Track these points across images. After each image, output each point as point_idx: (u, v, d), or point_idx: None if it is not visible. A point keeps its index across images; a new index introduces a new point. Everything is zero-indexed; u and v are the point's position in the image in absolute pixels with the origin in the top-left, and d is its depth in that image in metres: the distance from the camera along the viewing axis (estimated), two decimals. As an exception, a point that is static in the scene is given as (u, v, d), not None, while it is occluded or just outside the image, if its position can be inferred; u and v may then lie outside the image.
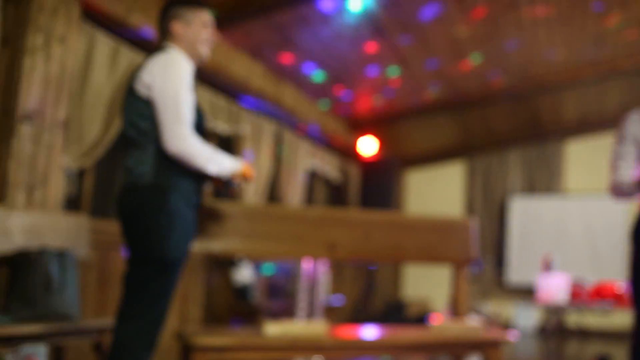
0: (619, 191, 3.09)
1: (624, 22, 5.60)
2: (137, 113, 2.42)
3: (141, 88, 2.41)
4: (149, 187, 2.39)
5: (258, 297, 5.69)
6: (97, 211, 4.41)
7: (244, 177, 2.60)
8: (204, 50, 2.62)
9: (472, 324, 3.42)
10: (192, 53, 2.58)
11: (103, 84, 4.04)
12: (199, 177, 2.54)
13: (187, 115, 2.39)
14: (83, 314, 3.87)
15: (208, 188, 2.76)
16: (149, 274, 2.37)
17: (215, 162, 2.46)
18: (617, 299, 4.51)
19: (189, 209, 2.49)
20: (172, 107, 2.35)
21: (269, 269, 6.33)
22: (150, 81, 2.40)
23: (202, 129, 2.59)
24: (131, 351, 2.34)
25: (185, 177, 2.45)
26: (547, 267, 5.00)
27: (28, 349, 2.70)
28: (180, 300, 4.64)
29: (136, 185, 2.40)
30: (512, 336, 3.43)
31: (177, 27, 2.56)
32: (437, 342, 3.26)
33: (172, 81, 2.38)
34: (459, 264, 3.77)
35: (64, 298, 3.10)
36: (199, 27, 2.58)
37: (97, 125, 3.98)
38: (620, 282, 4.53)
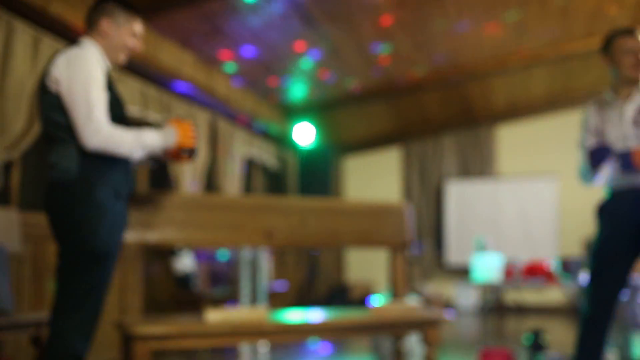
0: (582, 177, 3.37)
1: (544, 12, 5.79)
2: (52, 108, 2.38)
3: (51, 83, 2.38)
4: (74, 182, 2.36)
5: (200, 286, 5.67)
6: (28, 204, 4.29)
7: (184, 142, 2.55)
8: (122, 58, 2.59)
9: (410, 305, 3.50)
10: (111, 55, 2.55)
11: (25, 74, 3.91)
12: (126, 167, 2.53)
13: (99, 108, 2.34)
14: (19, 308, 3.79)
15: (155, 166, 2.74)
16: (81, 267, 2.36)
17: (141, 145, 2.43)
18: (548, 276, 4.69)
19: (118, 201, 2.47)
20: (82, 103, 2.31)
21: (224, 255, 6.32)
22: (57, 76, 2.36)
23: (124, 121, 2.55)
24: (68, 343, 2.33)
25: (111, 169, 2.43)
26: (481, 247, 5.15)
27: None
28: (119, 290, 4.60)
29: (62, 181, 2.38)
30: (448, 315, 3.53)
31: (106, 25, 2.52)
32: (376, 324, 3.33)
33: (79, 77, 2.33)
34: (395, 248, 3.85)
35: (-4, 294, 3.03)
36: (127, 34, 2.55)
37: (22, 117, 3.86)
38: (550, 260, 4.71)
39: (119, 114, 2.51)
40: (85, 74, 2.34)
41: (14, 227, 3.50)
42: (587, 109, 3.46)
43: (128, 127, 2.53)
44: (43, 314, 3.22)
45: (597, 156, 3.24)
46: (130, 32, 2.56)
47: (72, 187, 2.36)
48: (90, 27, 2.55)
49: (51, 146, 2.43)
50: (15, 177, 4.18)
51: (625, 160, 3.17)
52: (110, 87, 2.50)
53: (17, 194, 4.19)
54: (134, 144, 2.40)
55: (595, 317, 3.28)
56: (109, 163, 2.41)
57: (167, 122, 2.57)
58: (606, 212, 3.35)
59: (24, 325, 3.11)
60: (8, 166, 4.10)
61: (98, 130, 2.31)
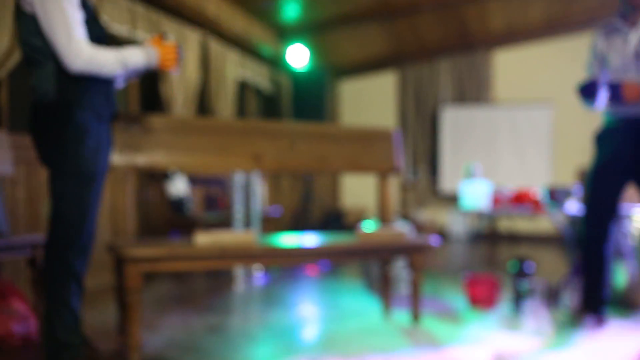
0: (581, 91, 3.36)
1: None
2: (27, 30, 2.35)
3: (25, 5, 2.33)
4: (54, 104, 2.36)
5: (194, 210, 5.73)
6: (19, 126, 4.27)
7: (167, 64, 2.54)
8: None
9: (397, 231, 3.55)
10: None
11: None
12: (107, 88, 2.51)
13: (77, 29, 2.31)
14: (15, 230, 3.84)
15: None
16: (68, 188, 2.40)
17: (123, 64, 2.41)
18: (535, 205, 4.73)
19: (100, 122, 2.48)
20: (60, 25, 2.27)
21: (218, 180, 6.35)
22: None
23: (103, 40, 2.52)
24: (65, 263, 2.40)
25: (91, 90, 2.43)
26: (470, 174, 5.17)
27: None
28: (112, 213, 4.65)
29: (42, 104, 2.38)
30: (435, 241, 3.60)
31: None
32: (363, 249, 3.39)
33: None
34: (383, 173, 3.87)
35: (-11, 215, 3.06)
36: None
37: (6, 35, 3.77)
38: (539, 189, 4.76)
39: (96, 33, 2.47)
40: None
41: (5, 149, 3.50)
42: (596, 33, 3.44)
43: (108, 46, 2.50)
44: (39, 236, 3.27)
45: (587, 89, 3.27)
46: None
47: (52, 109, 2.37)
48: None
49: (31, 69, 2.41)
50: (4, 98, 4.14)
51: (615, 92, 3.19)
52: (85, 5, 2.45)
53: (8, 116, 4.17)
54: (116, 64, 2.39)
55: (592, 242, 3.38)
56: (89, 84, 2.40)
57: (148, 42, 2.53)
58: (601, 140, 3.41)
59: (20, 247, 3.16)
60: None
61: (79, 51, 2.29)
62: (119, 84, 2.66)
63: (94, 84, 2.41)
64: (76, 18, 2.31)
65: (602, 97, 3.22)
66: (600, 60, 3.39)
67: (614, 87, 3.19)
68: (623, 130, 3.31)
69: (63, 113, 2.36)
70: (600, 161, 3.38)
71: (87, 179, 2.42)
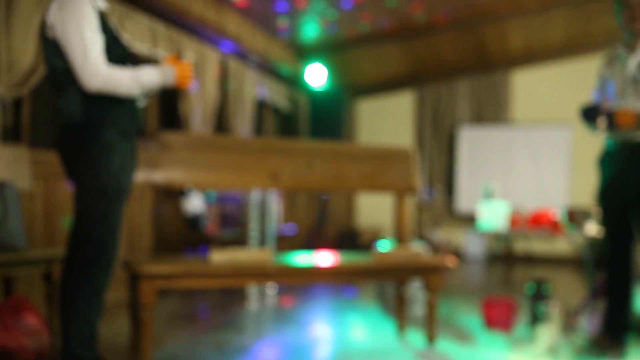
0: (582, 117, 3.45)
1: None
2: (52, 54, 2.43)
3: (48, 30, 2.42)
4: (81, 124, 2.44)
5: (209, 227, 5.74)
6: (38, 141, 4.31)
7: (183, 82, 2.57)
8: None
9: (413, 251, 3.53)
10: None
11: (31, 9, 3.87)
12: (132, 107, 2.57)
13: (94, 50, 2.37)
14: (31, 245, 3.86)
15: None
16: (93, 202, 2.46)
17: (139, 83, 2.45)
18: (554, 226, 4.68)
19: (126, 140, 2.56)
20: (78, 47, 2.34)
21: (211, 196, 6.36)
22: (52, 22, 2.39)
23: (126, 59, 2.58)
24: (87, 276, 2.44)
25: (116, 109, 2.50)
26: (488, 195, 5.14)
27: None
28: (128, 229, 4.66)
29: (70, 125, 2.46)
30: (451, 262, 3.56)
31: None
32: (379, 268, 3.37)
33: (71, 21, 2.35)
34: (400, 193, 3.86)
35: (8, 229, 3.09)
36: None
37: (29, 54, 3.84)
38: (557, 209, 4.71)
39: (118, 53, 2.53)
40: (77, 17, 2.36)
41: (24, 164, 3.53)
42: (602, 58, 3.50)
43: (125, 65, 2.55)
44: (55, 251, 3.29)
45: (588, 114, 3.34)
46: None
47: (79, 129, 2.45)
48: None
49: (57, 91, 2.50)
50: (25, 113, 4.19)
51: (610, 120, 3.23)
52: (106, 26, 2.51)
53: (28, 131, 4.22)
54: (133, 83, 2.44)
55: (613, 264, 3.37)
56: (113, 103, 2.47)
57: (164, 60, 2.57)
58: (602, 163, 3.45)
59: (36, 262, 3.18)
60: (18, 103, 4.11)
61: (95, 71, 2.35)
62: (140, 103, 2.69)
63: (119, 103, 2.48)
64: (94, 40, 2.38)
65: (602, 122, 3.24)
66: (602, 85, 3.44)
67: (609, 115, 3.23)
68: (622, 154, 3.34)
69: (90, 132, 2.45)
70: (604, 185, 3.43)
71: (113, 195, 2.48)
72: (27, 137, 4.19)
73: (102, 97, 2.44)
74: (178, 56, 2.60)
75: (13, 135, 4.11)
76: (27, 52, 3.82)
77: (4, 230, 3.08)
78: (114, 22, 2.67)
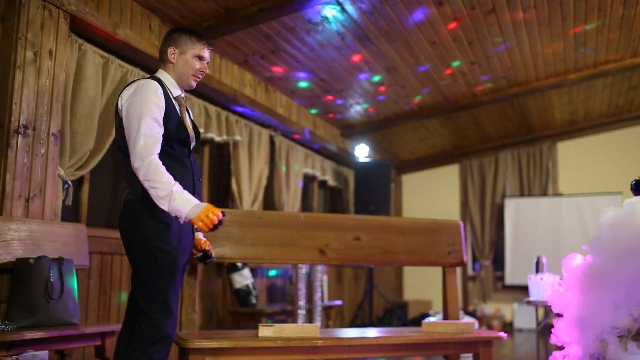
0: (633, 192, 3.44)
1: (603, 23, 5.69)
2: (121, 133, 2.56)
3: (119, 112, 2.57)
4: (139, 202, 2.52)
5: (258, 301, 5.78)
6: (94, 220, 4.49)
7: (202, 222, 2.43)
8: (192, 82, 2.73)
9: (464, 324, 3.48)
10: (180, 81, 2.71)
11: (95, 95, 4.11)
12: (193, 184, 2.65)
13: (147, 136, 2.44)
14: (85, 320, 3.97)
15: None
16: (149, 280, 2.50)
17: (171, 197, 2.39)
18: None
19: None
20: (133, 131, 2.45)
21: (278, 272, 6.42)
22: (121, 105, 2.54)
23: (188, 143, 2.67)
24: (146, 355, 2.45)
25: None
26: (539, 268, 5.07)
27: (30, 354, 2.78)
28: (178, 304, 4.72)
29: (129, 202, 2.55)
30: (502, 336, 3.50)
31: (171, 53, 2.68)
32: (429, 342, 3.33)
33: (136, 106, 2.48)
34: (448, 266, 3.85)
35: (65, 305, 3.18)
36: (192, 58, 2.68)
37: (91, 138, 4.06)
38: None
39: (181, 137, 2.63)
40: (140, 102, 2.49)
41: (84, 242, 3.67)
42: None
43: (187, 152, 2.67)
44: (108, 326, 3.38)
45: (636, 189, 3.29)
46: (196, 56, 2.69)
47: (139, 205, 2.52)
48: (160, 58, 2.73)
49: (123, 169, 2.61)
50: (85, 193, 4.39)
51: None
52: (175, 112, 2.62)
53: (86, 210, 4.39)
54: (165, 192, 2.40)
55: None
56: (175, 181, 2.49)
57: (206, 204, 2.48)
58: None
59: (89, 336, 3.27)
60: (78, 183, 4.31)
61: (143, 155, 2.42)
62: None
63: (180, 181, 2.49)
64: (150, 127, 2.47)
65: None
66: None
67: None
68: None
69: (149, 209, 2.49)
70: None
71: (168, 272, 2.51)
72: (84, 216, 4.37)
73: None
74: (213, 207, 2.49)
75: (73, 214, 4.29)
76: (89, 137, 4.03)
77: (61, 306, 3.17)
78: (187, 108, 2.79)
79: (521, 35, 5.68)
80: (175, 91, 2.69)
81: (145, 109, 2.48)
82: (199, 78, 2.75)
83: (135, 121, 2.46)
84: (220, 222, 2.46)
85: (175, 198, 2.38)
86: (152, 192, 2.41)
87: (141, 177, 2.42)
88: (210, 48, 2.76)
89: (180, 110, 2.67)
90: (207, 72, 2.79)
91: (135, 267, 2.55)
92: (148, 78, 2.62)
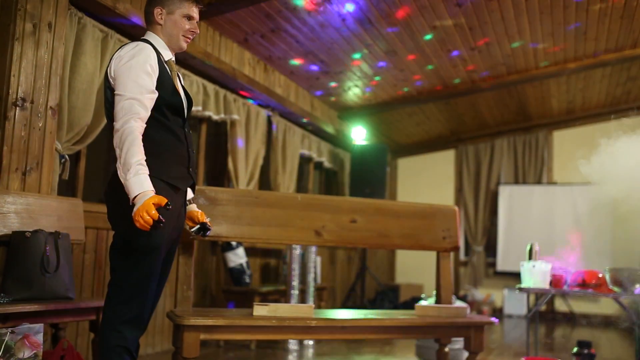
0: None
1: (605, 12, 5.69)
2: (109, 102, 2.44)
3: (110, 79, 2.43)
4: None
5: (252, 281, 5.81)
6: (89, 195, 4.49)
7: (138, 217, 2.20)
8: (182, 44, 2.59)
9: (455, 309, 3.52)
10: (170, 43, 2.57)
11: (94, 70, 4.09)
12: (188, 161, 2.54)
13: (138, 101, 2.32)
14: (80, 294, 3.99)
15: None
16: (129, 258, 2.38)
17: (127, 172, 2.23)
18: (598, 287, 4.61)
19: (176, 194, 2.48)
20: (123, 91, 2.32)
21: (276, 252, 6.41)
22: (112, 71, 2.40)
23: (181, 111, 2.56)
24: (116, 332, 2.36)
25: (169, 162, 2.45)
26: (531, 254, 5.10)
27: (26, 327, 2.79)
28: (174, 282, 4.75)
29: (115, 173, 2.36)
30: (494, 321, 3.54)
31: (158, 14, 2.54)
32: (420, 325, 3.36)
33: (127, 70, 2.35)
34: (442, 251, 3.88)
35: (60, 279, 3.19)
36: (181, 18, 2.54)
37: (90, 111, 4.04)
38: (601, 271, 4.65)
39: (176, 103, 2.51)
40: (131, 70, 2.35)
41: (80, 217, 3.67)
42: None
43: (180, 118, 2.54)
44: (102, 301, 3.39)
45: None
46: (185, 16, 2.55)
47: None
48: (147, 20, 2.60)
49: (112, 139, 2.43)
50: (82, 168, 4.38)
51: None
52: (167, 77, 2.50)
53: (82, 185, 4.39)
54: (128, 165, 2.24)
55: None
56: (167, 155, 2.44)
57: (155, 195, 2.26)
58: None
59: (84, 311, 3.28)
60: (75, 157, 4.30)
61: (123, 120, 2.30)
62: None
63: (173, 155, 2.44)
64: (140, 93, 2.34)
65: None
66: None
67: None
68: None
69: None
70: None
71: (148, 250, 2.37)
72: (81, 190, 4.37)
73: (155, 150, 2.38)
74: (165, 205, 2.26)
75: (69, 188, 4.29)
76: (87, 111, 4.02)
77: (56, 280, 3.18)
78: (178, 73, 2.67)
79: (522, 22, 5.68)
80: (167, 54, 2.55)
81: (137, 74, 2.35)
82: (189, 39, 2.60)
83: (127, 84, 2.32)
84: (159, 221, 2.20)
85: (130, 176, 2.21)
86: (118, 161, 2.25)
87: (115, 142, 2.27)
88: (200, 6, 2.61)
89: (172, 75, 2.54)
90: (198, 31, 2.64)
91: (114, 242, 2.42)
92: (139, 41, 2.50)
